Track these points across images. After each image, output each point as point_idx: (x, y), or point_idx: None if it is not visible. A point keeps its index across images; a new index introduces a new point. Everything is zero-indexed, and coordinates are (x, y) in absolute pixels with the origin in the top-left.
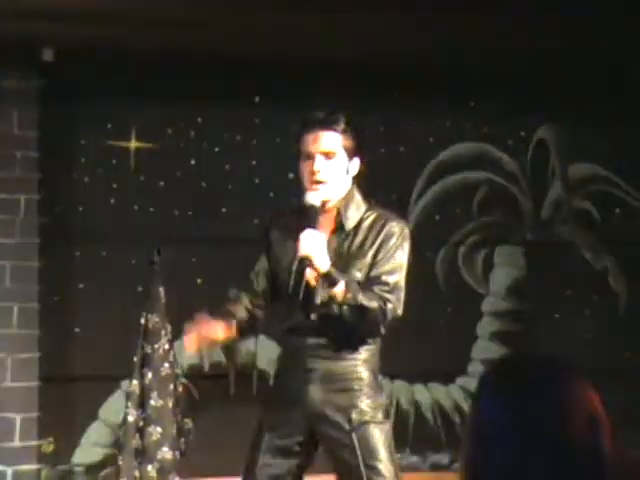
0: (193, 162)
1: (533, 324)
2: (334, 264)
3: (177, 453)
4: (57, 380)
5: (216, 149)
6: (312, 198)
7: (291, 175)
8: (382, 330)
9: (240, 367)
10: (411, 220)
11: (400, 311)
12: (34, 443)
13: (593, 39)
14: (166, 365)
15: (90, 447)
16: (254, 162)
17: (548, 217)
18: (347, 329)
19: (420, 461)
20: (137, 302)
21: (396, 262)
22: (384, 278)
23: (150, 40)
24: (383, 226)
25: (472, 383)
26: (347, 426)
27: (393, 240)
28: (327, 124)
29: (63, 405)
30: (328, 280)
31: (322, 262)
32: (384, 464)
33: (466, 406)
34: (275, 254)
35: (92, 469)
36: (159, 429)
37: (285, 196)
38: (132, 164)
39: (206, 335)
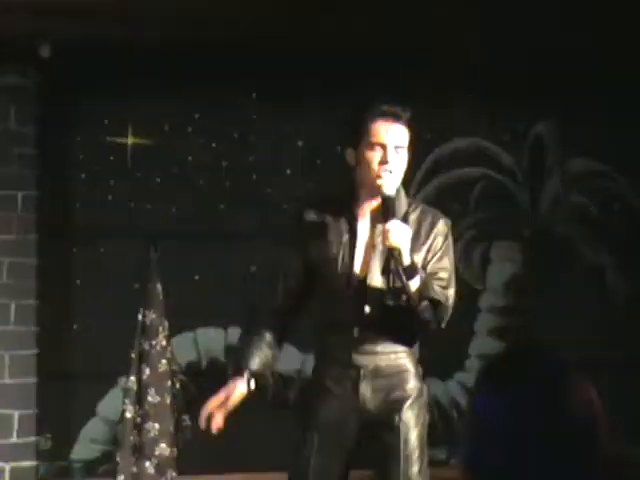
0: (190, 158)
1: (530, 320)
2: (383, 255)
3: (175, 450)
4: (55, 377)
5: (213, 145)
6: (388, 189)
7: (288, 171)
8: (443, 325)
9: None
10: None
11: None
12: (32, 439)
13: (590, 34)
14: (164, 362)
15: (88, 443)
16: (251, 158)
17: (545, 212)
18: (402, 323)
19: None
20: (135, 299)
21: (450, 259)
22: (441, 274)
23: (147, 36)
24: (434, 223)
25: (470, 379)
26: (397, 419)
27: (445, 237)
28: (400, 117)
29: (61, 402)
30: (410, 272)
31: (407, 254)
32: (421, 464)
33: (463, 402)
34: (318, 248)
35: (90, 465)
36: (157, 425)
37: (283, 192)
38: (129, 160)
39: (221, 409)
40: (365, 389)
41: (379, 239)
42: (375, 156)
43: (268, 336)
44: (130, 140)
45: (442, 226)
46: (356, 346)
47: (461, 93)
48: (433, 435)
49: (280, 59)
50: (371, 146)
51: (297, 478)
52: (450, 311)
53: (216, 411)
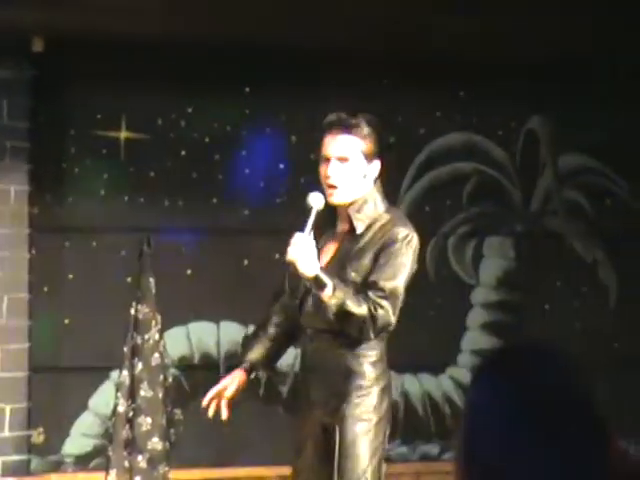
0: (183, 152)
1: (523, 315)
2: (331, 265)
3: (167, 444)
4: (47, 371)
5: (206, 139)
6: (313, 200)
7: (281, 166)
8: (371, 335)
9: (228, 358)
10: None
11: (393, 319)
12: (24, 433)
13: (584, 30)
14: (156, 356)
15: (80, 438)
16: (244, 152)
17: (538, 208)
18: (341, 331)
19: (410, 451)
20: (127, 293)
21: (396, 268)
22: (381, 284)
23: (140, 30)
24: (388, 231)
25: (462, 374)
26: (337, 418)
27: (396, 245)
28: (347, 127)
29: (53, 396)
30: (316, 284)
31: (308, 267)
32: (359, 461)
33: (456, 397)
34: None
35: (82, 459)
36: (149, 419)
37: (275, 186)
38: (122, 154)
39: (224, 396)
40: (314, 390)
41: (341, 247)
42: (322, 169)
43: (272, 330)
44: (123, 134)
45: (397, 234)
46: (309, 349)
47: (454, 88)
48: (425, 430)
49: (273, 53)
50: (321, 158)
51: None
52: (385, 321)
53: (216, 400)
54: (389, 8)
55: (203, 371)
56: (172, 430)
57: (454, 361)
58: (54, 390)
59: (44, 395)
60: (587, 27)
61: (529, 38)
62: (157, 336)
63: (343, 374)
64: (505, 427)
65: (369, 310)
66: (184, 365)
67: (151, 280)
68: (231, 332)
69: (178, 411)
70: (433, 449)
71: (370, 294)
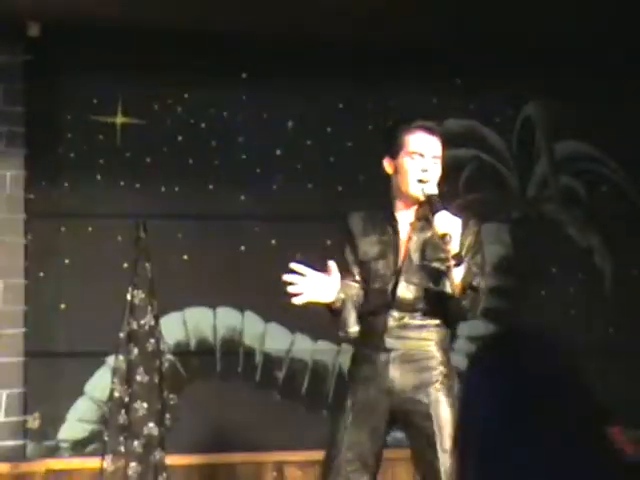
0: (180, 138)
1: (518, 301)
2: (425, 247)
3: (163, 429)
4: (43, 356)
5: (203, 125)
6: (430, 189)
7: (278, 152)
8: (477, 313)
9: (224, 343)
10: None
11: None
12: (20, 419)
13: (580, 16)
14: (152, 341)
15: (76, 423)
16: (241, 139)
17: (534, 194)
18: (435, 311)
19: (405, 437)
20: (123, 278)
21: (481, 256)
22: (474, 269)
23: (137, 15)
24: (466, 223)
25: (458, 360)
26: (426, 400)
27: (476, 236)
28: (437, 132)
29: (49, 381)
30: (458, 259)
31: (458, 241)
32: (449, 441)
33: None
34: (365, 245)
35: (78, 445)
36: (145, 405)
37: (272, 173)
38: (118, 140)
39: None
40: (394, 372)
41: (414, 234)
42: (416, 164)
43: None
44: (119, 119)
45: (472, 225)
46: (389, 331)
47: (451, 75)
48: None
49: (270, 39)
50: (410, 156)
51: (332, 451)
52: (482, 301)
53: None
54: None
55: (199, 357)
56: (168, 415)
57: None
58: (50, 375)
59: (40, 380)
60: (584, 14)
61: (526, 24)
62: (153, 321)
63: (432, 360)
64: (503, 412)
65: (483, 287)
66: (180, 350)
67: (147, 265)
68: (227, 318)
69: (174, 396)
70: None
71: (480, 280)
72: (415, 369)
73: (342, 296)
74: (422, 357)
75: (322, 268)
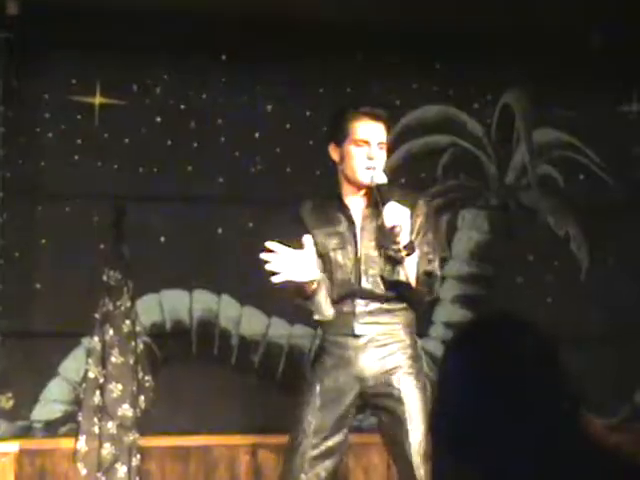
0: (158, 119)
1: (495, 288)
2: (378, 234)
3: (137, 410)
4: (17, 336)
5: (182, 107)
6: (379, 177)
7: (257, 135)
8: (435, 295)
9: (200, 326)
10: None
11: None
12: None
13: (561, 3)
14: (127, 322)
15: (50, 403)
16: (220, 121)
17: (512, 182)
18: (398, 297)
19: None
20: (99, 259)
21: (431, 234)
22: (426, 249)
23: None
24: (414, 205)
25: (434, 346)
26: (396, 383)
27: (426, 215)
28: (382, 117)
29: (23, 361)
30: (410, 248)
31: (407, 232)
32: (420, 422)
33: (427, 368)
34: (322, 237)
35: (51, 425)
36: (120, 386)
37: (251, 155)
38: (96, 120)
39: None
40: (364, 357)
41: (367, 222)
42: (360, 151)
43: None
44: (98, 100)
45: (421, 206)
46: (357, 317)
47: (430, 60)
48: None
49: (251, 22)
50: (356, 143)
51: (298, 436)
52: (438, 281)
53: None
54: None
55: (175, 339)
56: (142, 397)
57: (426, 333)
58: (24, 355)
59: (14, 360)
60: (565, 1)
61: (506, 10)
62: (129, 303)
63: (400, 343)
64: (477, 397)
65: (438, 269)
66: (156, 332)
67: (124, 247)
68: (203, 300)
69: (149, 378)
70: None
71: (435, 262)
72: (384, 354)
73: (318, 278)
74: (391, 341)
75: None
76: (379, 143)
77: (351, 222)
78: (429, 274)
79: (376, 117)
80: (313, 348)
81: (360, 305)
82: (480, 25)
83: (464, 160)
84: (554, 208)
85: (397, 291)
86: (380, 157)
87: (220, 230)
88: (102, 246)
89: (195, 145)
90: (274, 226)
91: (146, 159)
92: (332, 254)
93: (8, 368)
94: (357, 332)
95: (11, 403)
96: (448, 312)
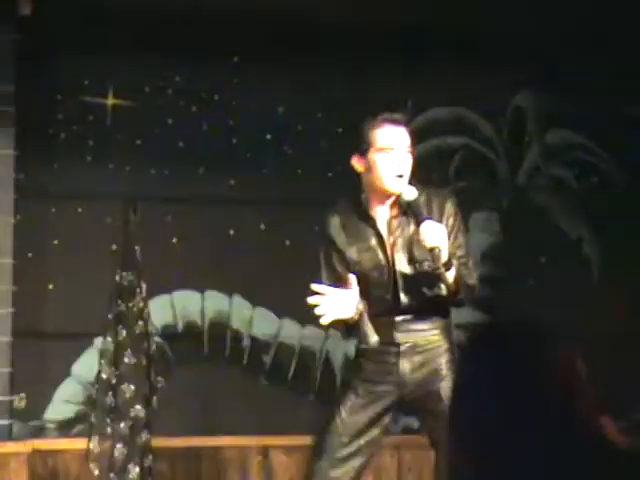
0: (171, 121)
1: (506, 290)
2: (411, 246)
3: (149, 411)
4: (30, 336)
5: (194, 108)
6: (408, 194)
7: (268, 136)
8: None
9: (212, 327)
10: None
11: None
12: (6, 398)
13: (574, 5)
14: (140, 323)
15: (62, 404)
16: (232, 123)
17: (524, 183)
18: (435, 305)
19: (391, 423)
20: (112, 260)
21: (463, 235)
22: (459, 252)
23: None
24: (443, 205)
25: None
26: (437, 384)
27: (455, 215)
28: (403, 122)
29: (36, 361)
30: (448, 266)
31: (446, 251)
32: None
33: None
34: (352, 251)
35: (64, 425)
36: (132, 387)
37: (262, 157)
38: (109, 121)
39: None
40: (404, 365)
41: (397, 235)
42: (389, 159)
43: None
44: (110, 101)
45: (450, 206)
46: (397, 326)
47: (441, 61)
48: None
49: (263, 23)
50: (381, 151)
51: (328, 434)
52: (478, 284)
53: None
54: None
55: (187, 340)
56: (155, 398)
57: None
58: (37, 356)
59: (27, 361)
60: (578, 5)
61: (519, 11)
62: (141, 304)
63: (439, 348)
64: (494, 401)
65: (476, 279)
66: (168, 333)
67: (136, 248)
68: (215, 301)
69: (161, 379)
70: (414, 422)
71: (470, 265)
72: (424, 360)
73: (360, 308)
74: (430, 347)
75: (311, 253)
76: (405, 148)
77: (380, 236)
78: (472, 288)
79: (396, 122)
80: (323, 350)
81: (399, 315)
82: (491, 25)
83: (476, 162)
84: (566, 210)
85: (435, 302)
86: (407, 163)
87: (232, 231)
88: (114, 247)
89: (207, 146)
90: (285, 227)
91: (158, 160)
92: (366, 271)
93: (21, 368)
94: (397, 340)
95: (24, 403)
96: (460, 314)
